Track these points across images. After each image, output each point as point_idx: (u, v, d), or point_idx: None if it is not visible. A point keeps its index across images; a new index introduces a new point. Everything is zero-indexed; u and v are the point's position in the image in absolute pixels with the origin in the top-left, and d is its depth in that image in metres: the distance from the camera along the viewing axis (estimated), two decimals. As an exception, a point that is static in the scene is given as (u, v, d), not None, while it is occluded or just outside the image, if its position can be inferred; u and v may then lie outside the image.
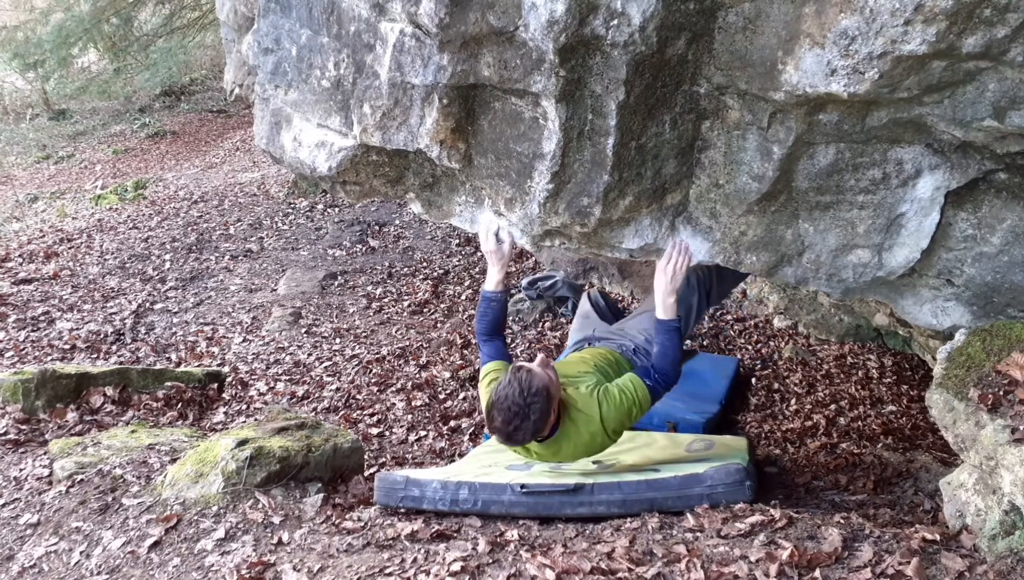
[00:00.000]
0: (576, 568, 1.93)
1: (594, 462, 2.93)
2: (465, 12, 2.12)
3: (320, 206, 8.74)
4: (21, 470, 3.03)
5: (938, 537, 2.05)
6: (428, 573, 2.02)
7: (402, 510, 2.52)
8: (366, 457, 3.44)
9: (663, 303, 2.53)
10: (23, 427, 3.48)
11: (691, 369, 4.63)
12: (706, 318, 5.81)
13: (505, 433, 2.33)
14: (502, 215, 2.57)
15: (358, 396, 4.65)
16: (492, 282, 2.73)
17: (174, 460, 2.93)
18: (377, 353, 5.25)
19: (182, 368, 4.78)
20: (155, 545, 2.43)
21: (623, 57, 2.05)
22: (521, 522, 2.36)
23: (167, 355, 5.31)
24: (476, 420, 4.40)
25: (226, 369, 4.91)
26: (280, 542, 2.38)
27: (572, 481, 2.43)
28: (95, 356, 5.16)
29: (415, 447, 4.07)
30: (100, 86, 13.90)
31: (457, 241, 7.50)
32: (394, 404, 4.55)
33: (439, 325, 5.78)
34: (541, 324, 5.73)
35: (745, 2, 1.98)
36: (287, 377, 4.93)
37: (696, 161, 2.35)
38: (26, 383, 3.62)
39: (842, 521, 2.18)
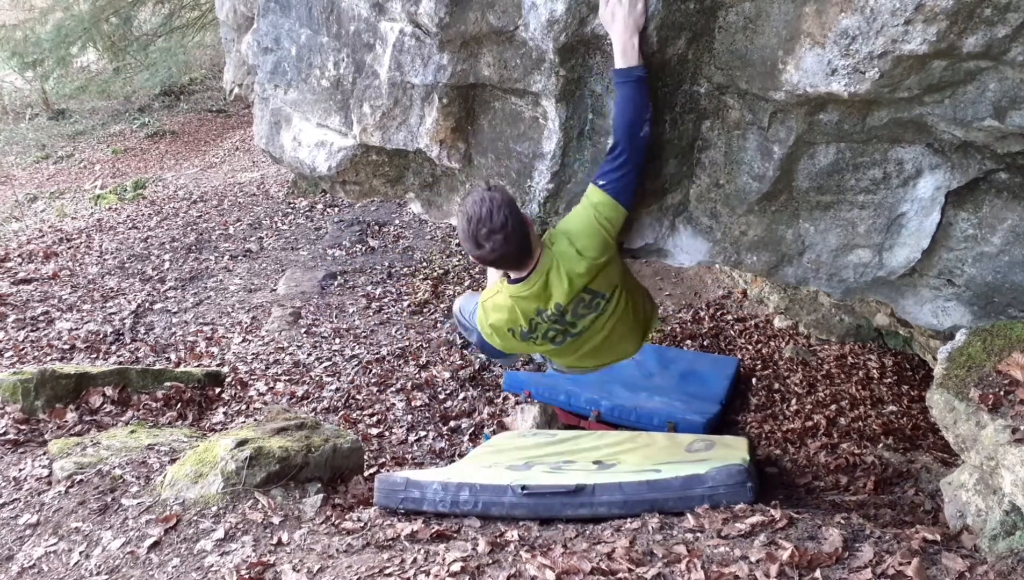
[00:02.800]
0: (576, 568, 1.93)
1: (595, 462, 2.93)
2: (465, 12, 2.12)
3: (320, 206, 8.74)
4: (20, 470, 3.03)
5: (939, 537, 2.05)
6: (428, 573, 2.01)
7: (402, 511, 2.51)
8: (366, 457, 3.44)
9: (623, 47, 2.02)
10: (22, 427, 3.47)
11: (691, 369, 4.65)
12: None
13: (484, 227, 2.10)
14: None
15: (358, 396, 4.65)
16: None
17: (173, 460, 2.93)
18: (377, 353, 5.25)
19: (181, 368, 4.77)
20: (154, 545, 2.42)
21: (623, 57, 2.05)
22: (521, 523, 2.36)
23: (166, 355, 5.31)
24: (476, 420, 4.40)
25: (225, 369, 4.90)
26: (280, 542, 2.38)
27: (573, 482, 2.43)
28: (94, 356, 5.16)
29: (415, 447, 4.07)
30: (99, 86, 13.91)
31: (457, 241, 7.49)
32: (394, 404, 4.55)
33: (439, 325, 5.78)
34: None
35: (745, 2, 1.98)
36: (287, 377, 4.92)
37: (696, 161, 2.35)
38: (25, 383, 3.61)
39: (842, 521, 2.18)
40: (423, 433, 4.22)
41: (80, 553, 2.47)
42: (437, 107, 2.32)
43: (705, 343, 5.46)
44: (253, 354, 5.28)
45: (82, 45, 11.54)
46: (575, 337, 2.41)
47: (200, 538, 2.42)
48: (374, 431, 4.21)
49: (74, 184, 11.32)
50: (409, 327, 5.73)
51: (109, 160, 12.74)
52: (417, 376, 4.90)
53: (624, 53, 2.04)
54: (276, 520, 2.49)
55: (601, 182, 2.19)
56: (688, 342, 5.47)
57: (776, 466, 3.61)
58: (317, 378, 4.91)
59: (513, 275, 2.29)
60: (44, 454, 3.13)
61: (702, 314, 5.89)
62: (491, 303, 2.41)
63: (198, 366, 4.97)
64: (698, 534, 2.12)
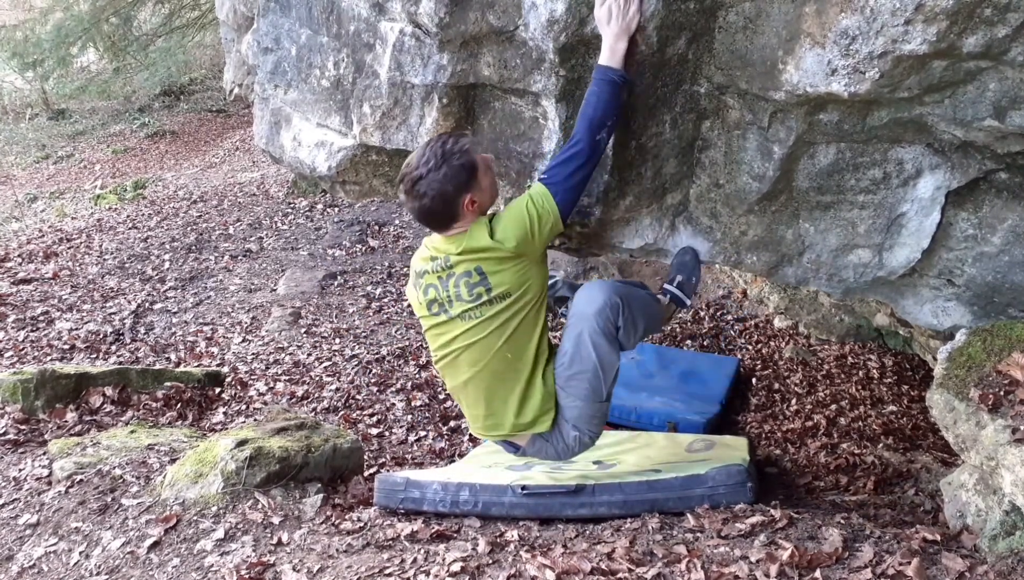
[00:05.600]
0: (576, 568, 1.93)
1: (595, 462, 2.93)
2: (465, 12, 2.12)
3: (320, 206, 8.73)
4: (20, 470, 3.03)
5: (939, 537, 2.05)
6: (428, 573, 2.01)
7: (402, 511, 2.51)
8: (366, 457, 3.44)
9: (611, 49, 2.02)
10: (22, 427, 3.47)
11: (691, 369, 4.65)
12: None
13: (409, 182, 2.08)
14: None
15: (358, 396, 4.65)
16: None
17: (173, 460, 2.93)
18: (377, 353, 5.25)
19: (181, 368, 4.77)
20: (154, 545, 2.42)
21: (623, 57, 2.04)
22: (521, 522, 2.36)
23: (166, 355, 5.31)
24: (476, 420, 4.40)
25: (225, 369, 4.90)
26: (280, 542, 2.38)
27: (573, 482, 2.43)
28: (94, 356, 5.15)
29: (415, 447, 4.06)
30: (99, 86, 13.92)
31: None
32: (394, 404, 4.55)
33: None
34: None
35: (745, 2, 1.98)
36: (287, 377, 4.92)
37: (696, 161, 2.35)
38: (25, 383, 3.61)
39: (843, 521, 2.18)
40: (423, 433, 4.21)
41: (80, 553, 2.47)
42: (437, 107, 2.32)
43: (705, 343, 5.46)
44: (253, 354, 5.28)
45: (82, 45, 11.55)
46: (449, 318, 2.22)
47: (200, 538, 2.42)
48: (374, 431, 4.21)
49: (74, 184, 11.32)
50: (409, 327, 5.72)
51: (109, 160, 12.73)
52: (417, 376, 4.90)
53: (611, 53, 2.02)
54: (276, 520, 2.49)
55: (544, 176, 2.13)
56: (688, 342, 5.46)
57: (776, 466, 3.61)
58: (317, 378, 4.91)
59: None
60: (44, 454, 3.13)
61: (702, 314, 5.89)
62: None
63: (198, 366, 4.97)
64: (698, 534, 2.12)
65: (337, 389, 4.74)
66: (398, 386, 4.78)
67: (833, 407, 4.40)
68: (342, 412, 4.43)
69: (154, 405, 3.99)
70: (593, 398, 2.27)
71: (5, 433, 3.38)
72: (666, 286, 2.51)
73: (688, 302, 2.52)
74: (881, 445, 3.83)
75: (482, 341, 2.20)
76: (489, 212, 2.26)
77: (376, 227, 8.03)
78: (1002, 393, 2.05)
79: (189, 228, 8.10)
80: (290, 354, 5.27)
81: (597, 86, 2.05)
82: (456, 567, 2.01)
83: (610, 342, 2.21)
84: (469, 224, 2.16)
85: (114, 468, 2.88)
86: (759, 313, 5.79)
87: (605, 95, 2.04)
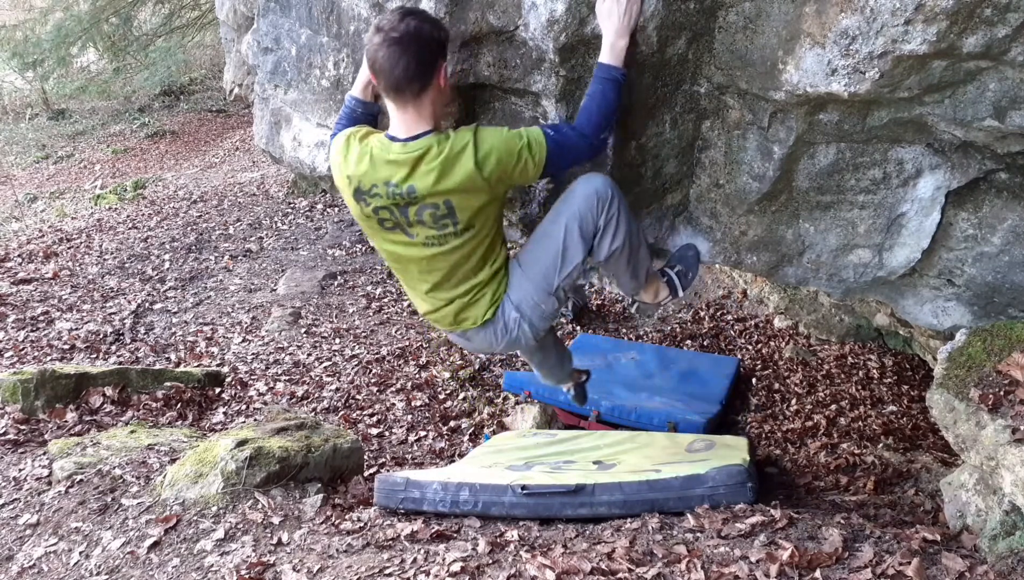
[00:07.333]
0: (576, 568, 1.93)
1: (595, 462, 2.93)
2: (465, 12, 2.12)
3: (320, 206, 8.74)
4: (20, 470, 3.03)
5: (939, 537, 2.05)
6: (428, 574, 2.01)
7: (402, 511, 2.52)
8: (366, 457, 3.44)
9: (612, 46, 1.97)
10: (22, 427, 3.47)
11: (691, 369, 4.65)
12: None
13: (385, 22, 1.88)
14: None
15: (358, 396, 4.65)
16: (358, 86, 2.21)
17: (173, 460, 2.93)
18: (377, 353, 5.25)
19: (181, 368, 4.77)
20: (154, 545, 2.42)
21: (623, 57, 2.04)
22: (521, 522, 2.36)
23: (166, 355, 5.31)
24: (476, 420, 4.40)
25: (225, 369, 4.90)
26: (280, 542, 2.38)
27: (573, 482, 2.43)
28: (94, 356, 5.15)
29: (415, 447, 4.07)
30: (99, 86, 13.92)
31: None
32: (394, 404, 4.55)
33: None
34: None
35: (745, 2, 1.98)
36: (287, 377, 4.92)
37: (696, 161, 2.35)
38: (25, 383, 3.61)
39: (843, 521, 2.18)
40: (423, 433, 4.22)
41: (80, 553, 2.47)
42: (437, 107, 2.31)
43: (705, 343, 5.46)
44: (253, 354, 5.28)
45: (82, 45, 11.56)
46: (409, 241, 2.09)
47: (200, 538, 2.42)
48: (374, 431, 4.22)
49: (74, 184, 11.32)
50: (409, 327, 5.73)
51: (109, 160, 12.74)
52: (417, 376, 4.91)
53: (612, 51, 1.99)
54: (276, 520, 2.49)
55: (550, 131, 1.98)
56: (688, 342, 5.47)
57: (776, 466, 3.62)
58: (317, 378, 4.91)
59: (392, 131, 1.99)
60: (44, 454, 3.13)
61: (702, 314, 5.90)
62: (356, 134, 2.07)
63: (198, 366, 4.97)
64: (698, 534, 2.12)
65: (337, 389, 4.74)
66: (398, 386, 4.79)
67: (833, 407, 4.41)
68: (342, 412, 4.43)
69: (154, 405, 3.99)
70: (543, 283, 2.20)
71: (5, 433, 3.38)
72: (665, 269, 2.48)
73: (681, 292, 2.47)
74: (881, 445, 3.84)
75: (442, 265, 2.13)
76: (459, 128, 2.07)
77: (376, 227, 8.03)
78: (1002, 393, 2.05)
79: (189, 228, 8.10)
80: (290, 354, 5.28)
81: (601, 84, 2.01)
82: (456, 567, 2.01)
83: (583, 236, 2.13)
84: (431, 115, 1.96)
85: (114, 468, 2.88)
86: (759, 313, 5.79)
87: (611, 94, 2.01)
